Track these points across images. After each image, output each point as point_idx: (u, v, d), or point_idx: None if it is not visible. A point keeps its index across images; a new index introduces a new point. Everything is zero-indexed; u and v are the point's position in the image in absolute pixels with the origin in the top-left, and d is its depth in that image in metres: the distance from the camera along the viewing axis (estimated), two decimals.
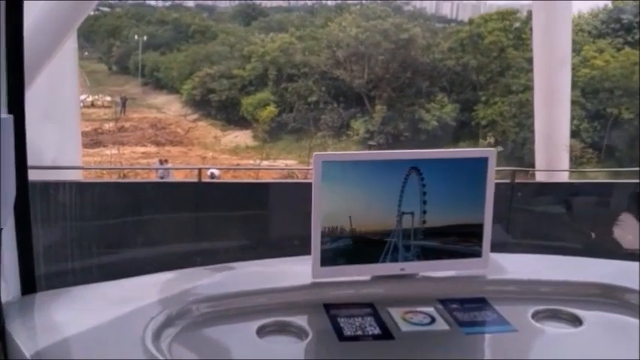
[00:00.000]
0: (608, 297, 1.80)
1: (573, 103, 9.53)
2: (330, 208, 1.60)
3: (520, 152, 24.75)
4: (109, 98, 32.62)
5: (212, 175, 19.30)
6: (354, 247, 1.65)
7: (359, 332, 1.61)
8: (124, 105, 31.95)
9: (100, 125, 29.04)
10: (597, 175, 20.80)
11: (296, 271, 1.80)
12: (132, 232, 4.67)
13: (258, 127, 28.40)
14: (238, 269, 1.97)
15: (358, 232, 1.63)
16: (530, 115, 20.20)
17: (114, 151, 25.27)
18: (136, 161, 25.09)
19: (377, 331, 1.62)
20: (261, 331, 1.62)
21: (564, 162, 10.08)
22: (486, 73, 27.48)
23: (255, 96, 29.33)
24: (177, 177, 19.24)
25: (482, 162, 1.71)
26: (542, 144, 9.85)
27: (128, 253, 4.82)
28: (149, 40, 35.73)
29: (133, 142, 28.04)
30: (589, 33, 27.03)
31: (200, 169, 4.57)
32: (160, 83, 34.85)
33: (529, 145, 22.09)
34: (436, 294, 1.76)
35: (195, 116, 31.52)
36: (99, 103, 32.48)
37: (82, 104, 29.67)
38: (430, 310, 1.68)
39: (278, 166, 24.15)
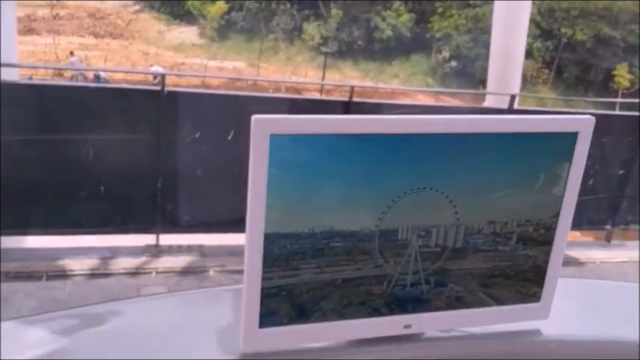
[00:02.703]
0: None
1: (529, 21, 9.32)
2: (282, 215, 0.80)
3: (472, 68, 24.62)
4: None
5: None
6: (321, 285, 0.86)
7: None
8: None
9: (33, 11, 27.03)
10: (548, 100, 20.90)
11: (216, 325, 0.90)
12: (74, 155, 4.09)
13: (205, 23, 27.00)
14: (123, 315, 0.93)
15: (329, 257, 0.85)
16: (485, 31, 19.84)
17: (49, 40, 23.56)
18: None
19: None
20: None
21: (516, 83, 9.80)
22: None
23: None
24: (116, 78, 18.14)
25: (567, 140, 0.86)
26: (496, 62, 9.56)
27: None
28: None
29: (69, 31, 26.33)
30: None
31: (163, 75, 3.96)
32: None
33: (481, 62, 21.94)
34: None
35: (137, 7, 29.79)
36: None
37: None
38: None
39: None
